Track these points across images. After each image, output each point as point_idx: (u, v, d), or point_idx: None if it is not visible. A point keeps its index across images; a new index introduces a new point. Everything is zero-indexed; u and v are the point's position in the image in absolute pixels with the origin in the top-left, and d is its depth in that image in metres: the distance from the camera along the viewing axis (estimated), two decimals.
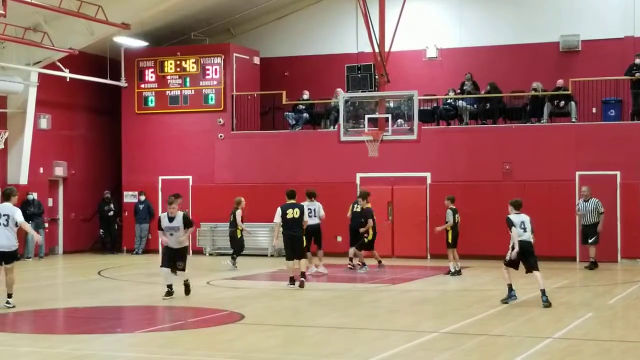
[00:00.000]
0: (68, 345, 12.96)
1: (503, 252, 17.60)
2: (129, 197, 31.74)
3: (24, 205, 28.48)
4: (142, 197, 31.12)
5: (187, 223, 17.85)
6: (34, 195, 29.15)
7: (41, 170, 30.43)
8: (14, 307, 16.38)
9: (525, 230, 16.86)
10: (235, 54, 31.43)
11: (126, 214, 31.72)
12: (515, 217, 17.04)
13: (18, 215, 16.64)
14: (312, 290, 20.10)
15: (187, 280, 18.15)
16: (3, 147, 28.44)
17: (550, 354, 12.19)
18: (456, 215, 22.41)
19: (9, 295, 16.58)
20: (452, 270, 22.50)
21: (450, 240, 22.51)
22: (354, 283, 22.08)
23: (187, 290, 18.19)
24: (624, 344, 13.23)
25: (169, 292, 17.85)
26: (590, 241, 23.67)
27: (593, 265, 23.62)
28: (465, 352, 12.39)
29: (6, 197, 17.03)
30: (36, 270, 25.93)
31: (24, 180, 29.23)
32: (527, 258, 16.87)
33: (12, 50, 27.95)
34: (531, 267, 16.96)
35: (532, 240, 17.05)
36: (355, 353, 12.37)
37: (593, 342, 13.35)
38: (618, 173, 26.54)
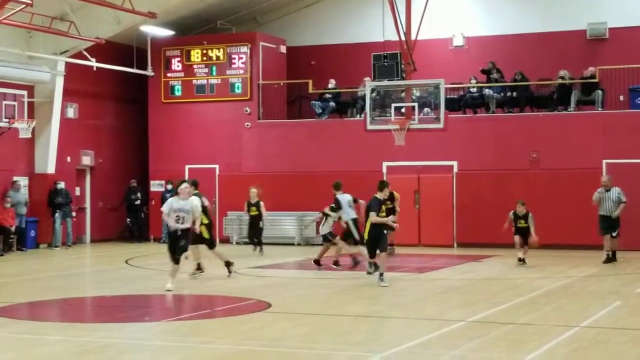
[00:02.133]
0: (96, 334, 13.04)
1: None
2: (156, 185, 31.85)
3: (52, 194, 28.77)
4: (169, 186, 31.18)
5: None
6: (61, 185, 29.35)
7: (68, 159, 30.59)
8: None
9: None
10: (261, 43, 31.44)
11: (153, 202, 31.74)
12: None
13: None
14: (340, 278, 20.10)
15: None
16: (30, 136, 28.50)
17: (578, 343, 12.13)
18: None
19: None
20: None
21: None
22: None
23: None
24: None
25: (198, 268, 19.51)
26: (614, 234, 22.59)
27: (612, 258, 22.58)
28: (492, 341, 12.35)
29: None
30: (64, 259, 26.07)
31: (51, 169, 29.42)
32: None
33: (39, 39, 28.07)
34: None
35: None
36: (381, 342, 12.37)
37: (621, 330, 13.29)
38: None
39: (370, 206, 18.13)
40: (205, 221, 19.52)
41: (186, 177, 30.59)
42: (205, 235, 19.42)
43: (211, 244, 20.03)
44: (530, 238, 21.53)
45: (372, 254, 18.28)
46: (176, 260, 17.27)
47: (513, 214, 21.81)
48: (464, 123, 28.31)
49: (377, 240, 17.84)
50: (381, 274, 17.82)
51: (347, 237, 21.42)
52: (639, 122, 26.78)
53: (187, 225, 17.22)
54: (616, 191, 22.60)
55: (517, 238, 21.69)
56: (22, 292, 17.84)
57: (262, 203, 25.61)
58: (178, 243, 17.25)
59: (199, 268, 19.64)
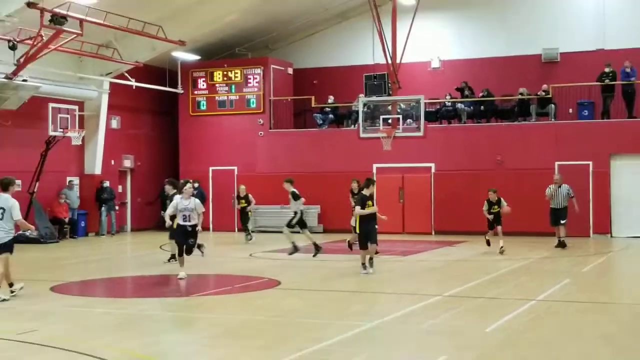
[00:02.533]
0: (135, 307, 13.07)
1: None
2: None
3: (99, 191, 28.87)
4: (196, 184, 31.03)
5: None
6: (106, 183, 29.43)
7: (112, 162, 30.62)
8: (6, 300, 13.42)
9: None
10: (272, 66, 31.47)
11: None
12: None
13: (15, 213, 13.37)
14: (337, 261, 20.13)
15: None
16: (81, 143, 28.55)
17: (535, 313, 12.18)
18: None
19: (10, 285, 13.83)
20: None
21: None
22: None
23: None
24: (596, 305, 13.20)
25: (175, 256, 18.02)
26: (562, 222, 22.34)
27: (562, 245, 22.19)
28: (464, 312, 12.41)
29: (4, 188, 13.52)
30: (109, 245, 26.11)
31: (98, 170, 29.47)
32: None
33: (88, 63, 28.11)
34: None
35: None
36: (373, 313, 12.42)
37: (571, 303, 13.34)
38: (590, 163, 26.52)
39: (356, 202, 17.22)
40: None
41: (210, 177, 30.76)
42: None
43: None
44: (502, 209, 20.67)
45: (363, 246, 16.82)
46: (188, 252, 16.36)
47: (487, 202, 20.79)
48: (440, 132, 28.32)
49: (368, 233, 16.69)
50: (370, 259, 16.89)
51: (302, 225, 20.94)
52: (585, 130, 26.82)
53: (194, 222, 16.15)
54: (566, 188, 22.40)
55: (490, 217, 20.72)
56: (74, 272, 17.86)
57: (250, 196, 25.72)
58: (188, 240, 16.17)
59: (174, 257, 18.66)
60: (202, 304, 13.73)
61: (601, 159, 26.50)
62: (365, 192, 17.05)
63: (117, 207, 30.01)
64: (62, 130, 26.58)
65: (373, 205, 16.86)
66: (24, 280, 14.38)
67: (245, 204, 25.77)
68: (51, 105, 26.39)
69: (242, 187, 26.01)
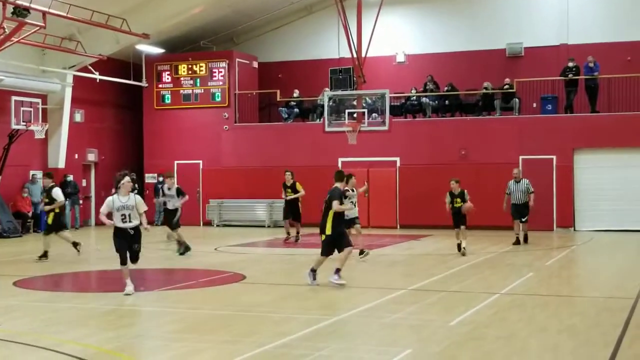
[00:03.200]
0: (98, 301, 12.96)
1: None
2: (150, 178, 31.75)
3: (62, 185, 28.51)
4: (161, 178, 31.05)
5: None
6: (70, 177, 29.16)
7: (76, 156, 30.37)
8: None
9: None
10: (237, 59, 31.40)
11: (147, 192, 31.57)
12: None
13: None
14: (301, 255, 20.09)
15: None
16: (44, 137, 28.31)
17: (498, 307, 12.24)
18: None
19: None
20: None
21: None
22: None
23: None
24: (559, 298, 13.32)
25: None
26: (523, 220, 21.68)
27: (518, 242, 21.67)
28: (429, 305, 12.44)
29: None
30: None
31: (62, 164, 29.22)
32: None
33: (51, 56, 27.86)
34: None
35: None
36: (336, 307, 12.41)
37: (533, 296, 13.42)
38: (554, 157, 26.75)
39: (332, 196, 14.21)
40: (57, 210, 18.92)
41: (174, 171, 30.52)
42: (50, 221, 18.85)
43: (58, 228, 19.07)
44: (463, 206, 19.06)
45: (328, 253, 14.36)
46: (133, 260, 13.51)
47: (449, 194, 19.37)
48: (405, 126, 28.44)
49: (342, 235, 14.31)
50: (338, 270, 14.16)
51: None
52: (549, 124, 27.07)
53: (136, 222, 13.29)
54: (525, 182, 21.89)
55: (449, 209, 19.29)
56: (37, 267, 17.64)
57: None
58: (132, 245, 13.37)
59: (45, 255, 18.53)
60: (166, 298, 13.65)
61: (565, 154, 26.79)
62: (340, 185, 14.92)
63: (81, 202, 29.79)
64: (25, 123, 26.38)
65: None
66: None
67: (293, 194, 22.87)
68: (14, 98, 26.20)
69: (289, 174, 22.91)
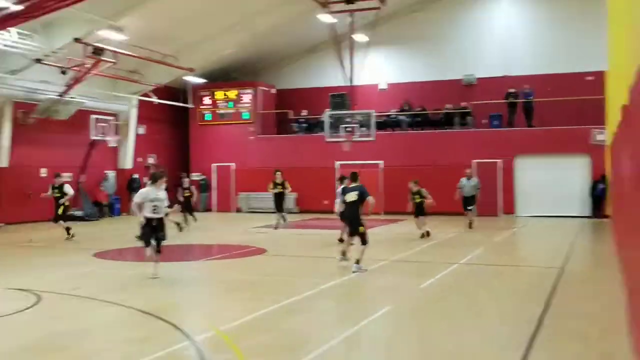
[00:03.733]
0: (157, 269, 12.89)
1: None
2: (195, 176, 31.69)
3: (129, 181, 28.60)
4: (203, 176, 31.17)
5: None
6: (136, 175, 29.14)
7: (140, 159, 30.30)
8: None
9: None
10: (260, 87, 31.32)
11: (193, 187, 31.58)
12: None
13: None
14: (312, 235, 20.03)
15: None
16: (116, 145, 28.32)
17: (458, 274, 12.16)
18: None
19: None
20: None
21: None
22: (335, 230, 21.86)
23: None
24: (508, 267, 13.23)
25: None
26: (469, 208, 20.77)
27: (470, 226, 20.81)
28: (404, 272, 12.36)
29: None
30: (137, 223, 25.78)
31: (129, 166, 29.17)
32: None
33: (121, 84, 27.80)
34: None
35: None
36: (336, 273, 12.32)
37: (486, 265, 13.34)
38: (499, 161, 26.66)
39: (366, 192, 13.28)
40: (67, 203, 18.00)
41: (213, 171, 30.34)
42: (60, 212, 17.80)
43: (64, 218, 18.07)
44: (426, 202, 18.27)
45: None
46: (159, 249, 11.74)
47: (411, 193, 18.56)
48: (387, 137, 28.29)
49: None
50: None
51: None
52: (495, 136, 27.01)
53: (162, 214, 11.73)
54: (474, 180, 21.35)
55: (410, 205, 18.49)
56: (111, 243, 17.61)
57: (287, 182, 21.48)
58: (157, 234, 11.68)
59: (68, 232, 17.91)
60: (206, 267, 13.60)
61: (507, 158, 26.66)
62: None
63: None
64: (101, 135, 26.38)
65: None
66: (75, 249, 14.11)
67: (282, 190, 21.14)
68: (93, 116, 26.15)
69: (279, 173, 21.23)
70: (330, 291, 10.46)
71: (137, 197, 11.42)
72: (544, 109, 27.28)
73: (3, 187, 23.49)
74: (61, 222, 18.06)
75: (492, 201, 25.89)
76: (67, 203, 18.01)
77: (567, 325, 8.06)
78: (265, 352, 6.94)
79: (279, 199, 21.12)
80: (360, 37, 26.65)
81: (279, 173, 21.10)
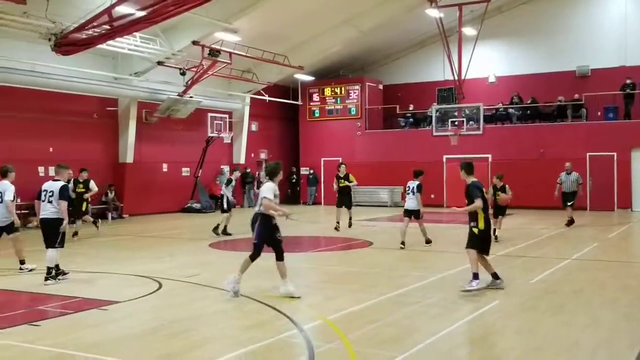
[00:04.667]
0: (266, 260, 13.15)
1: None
2: (304, 170, 32.21)
3: (243, 175, 29.39)
4: (312, 170, 31.52)
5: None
6: (249, 169, 29.95)
7: (252, 155, 31.11)
8: (32, 269, 11.41)
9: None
10: (367, 83, 31.31)
11: (302, 180, 32.17)
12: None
13: (7, 194, 11.07)
14: (411, 227, 19.77)
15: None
16: (230, 141, 29.19)
17: (569, 269, 11.67)
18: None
19: (22, 262, 11.55)
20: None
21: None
22: (439, 223, 21.43)
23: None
24: (618, 263, 12.54)
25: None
26: (569, 204, 19.04)
27: (571, 222, 19.20)
28: (512, 267, 11.94)
29: (3, 175, 11.29)
30: (251, 214, 26.39)
31: (242, 160, 30.01)
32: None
33: (235, 84, 28.59)
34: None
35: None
36: (441, 268, 12.08)
37: (598, 261, 12.71)
38: (615, 154, 25.32)
39: (479, 190, 9.50)
40: (89, 199, 17.46)
41: (321, 165, 30.67)
42: (83, 208, 17.02)
43: (85, 214, 17.26)
44: (500, 196, 15.77)
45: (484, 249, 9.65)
46: (280, 257, 9.47)
47: (492, 187, 16.13)
48: (496, 131, 27.51)
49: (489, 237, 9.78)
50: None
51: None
52: (611, 128, 25.70)
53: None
54: (575, 175, 19.15)
55: (490, 199, 15.22)
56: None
57: (351, 175, 19.94)
58: (276, 234, 9.57)
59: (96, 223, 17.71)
60: (313, 259, 13.74)
61: (624, 151, 25.27)
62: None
63: (256, 186, 30.47)
64: (217, 132, 27.23)
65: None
66: (191, 240, 14.64)
67: (346, 184, 18.72)
68: (209, 114, 27.02)
69: (343, 166, 19.14)
70: (437, 284, 10.29)
71: (269, 192, 9.18)
72: None
73: (128, 181, 24.82)
74: (88, 217, 17.49)
75: (608, 196, 24.68)
76: (90, 199, 17.40)
77: None
78: (371, 342, 6.93)
79: (344, 195, 18.49)
80: (468, 31, 26.01)
81: (343, 166, 18.78)
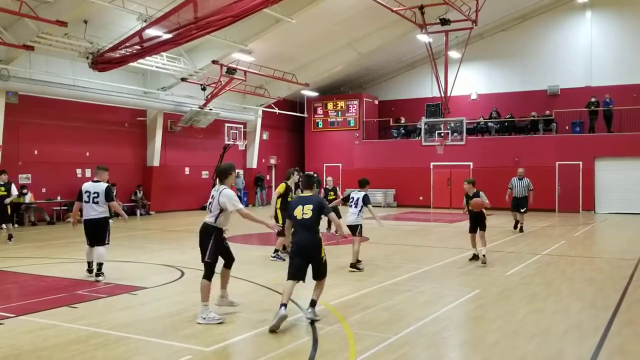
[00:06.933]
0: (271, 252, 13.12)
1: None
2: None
3: (255, 179, 29.38)
4: (315, 174, 31.40)
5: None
6: (260, 174, 29.91)
7: (263, 160, 31.11)
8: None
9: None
10: (365, 99, 31.33)
11: None
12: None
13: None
14: (406, 226, 19.76)
15: None
16: (244, 148, 29.19)
17: (540, 263, 11.63)
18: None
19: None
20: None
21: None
22: (426, 222, 21.56)
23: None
24: (583, 258, 12.50)
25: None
26: (522, 210, 17.16)
27: (517, 226, 17.43)
28: (491, 262, 11.93)
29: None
30: (262, 212, 26.25)
31: (254, 165, 30.05)
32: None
33: (249, 98, 28.64)
34: None
35: None
36: (430, 260, 12.09)
37: (565, 257, 12.67)
38: (580, 163, 25.31)
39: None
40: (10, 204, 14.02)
41: (324, 170, 30.69)
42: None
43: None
44: (473, 200, 11.79)
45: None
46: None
47: (465, 196, 12.18)
48: (477, 142, 27.51)
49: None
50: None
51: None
52: (577, 141, 25.68)
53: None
54: (526, 181, 17.38)
55: (465, 211, 12.33)
56: (238, 229, 18.11)
57: (337, 189, 20.61)
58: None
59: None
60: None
61: (588, 160, 25.26)
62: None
63: (266, 188, 30.50)
64: (233, 140, 27.22)
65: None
66: None
67: (334, 197, 16.49)
68: (226, 124, 26.98)
69: (330, 179, 17.44)
70: (426, 275, 10.28)
71: (239, 202, 7.80)
72: (624, 116, 25.67)
73: (155, 182, 24.85)
74: (10, 225, 14.46)
75: (574, 199, 24.76)
76: (11, 203, 14.10)
77: None
78: (368, 325, 6.93)
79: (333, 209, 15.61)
80: (453, 54, 26.02)
81: (329, 179, 17.08)
